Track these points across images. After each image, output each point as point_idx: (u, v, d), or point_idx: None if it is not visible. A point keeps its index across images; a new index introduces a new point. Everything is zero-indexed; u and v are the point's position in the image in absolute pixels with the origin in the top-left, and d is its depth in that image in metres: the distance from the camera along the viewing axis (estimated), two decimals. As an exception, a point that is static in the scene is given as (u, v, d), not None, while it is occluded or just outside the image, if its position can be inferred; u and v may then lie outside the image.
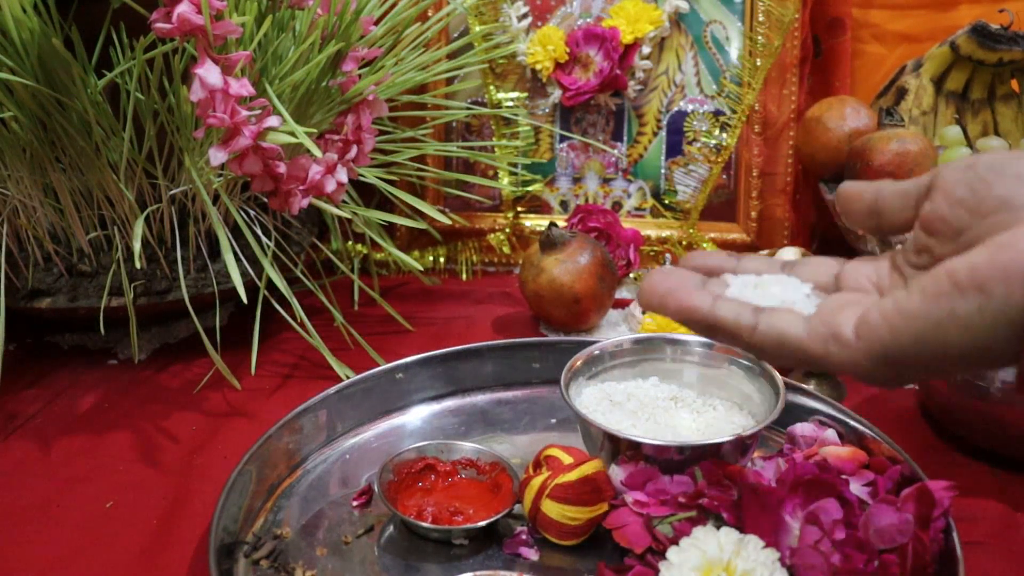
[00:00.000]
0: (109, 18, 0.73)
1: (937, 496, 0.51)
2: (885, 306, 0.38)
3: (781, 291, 0.44)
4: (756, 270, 0.47)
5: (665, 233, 1.02)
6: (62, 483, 0.66)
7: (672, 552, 0.50)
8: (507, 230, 1.03)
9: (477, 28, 1.00)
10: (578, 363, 0.66)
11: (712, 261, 0.48)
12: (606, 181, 1.03)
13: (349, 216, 0.82)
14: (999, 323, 0.35)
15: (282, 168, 0.68)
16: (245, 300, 0.71)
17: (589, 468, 0.57)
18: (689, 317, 0.43)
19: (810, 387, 0.72)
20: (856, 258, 0.46)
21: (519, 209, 1.03)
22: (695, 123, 1.01)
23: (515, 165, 1.03)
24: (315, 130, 0.73)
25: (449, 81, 1.01)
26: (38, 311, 0.79)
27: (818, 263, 0.47)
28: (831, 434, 0.62)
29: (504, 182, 1.02)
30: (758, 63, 0.99)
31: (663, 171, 1.02)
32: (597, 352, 0.67)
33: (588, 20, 1.01)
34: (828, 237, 1.03)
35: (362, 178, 0.81)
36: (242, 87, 0.63)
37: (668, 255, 0.93)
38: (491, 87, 1.02)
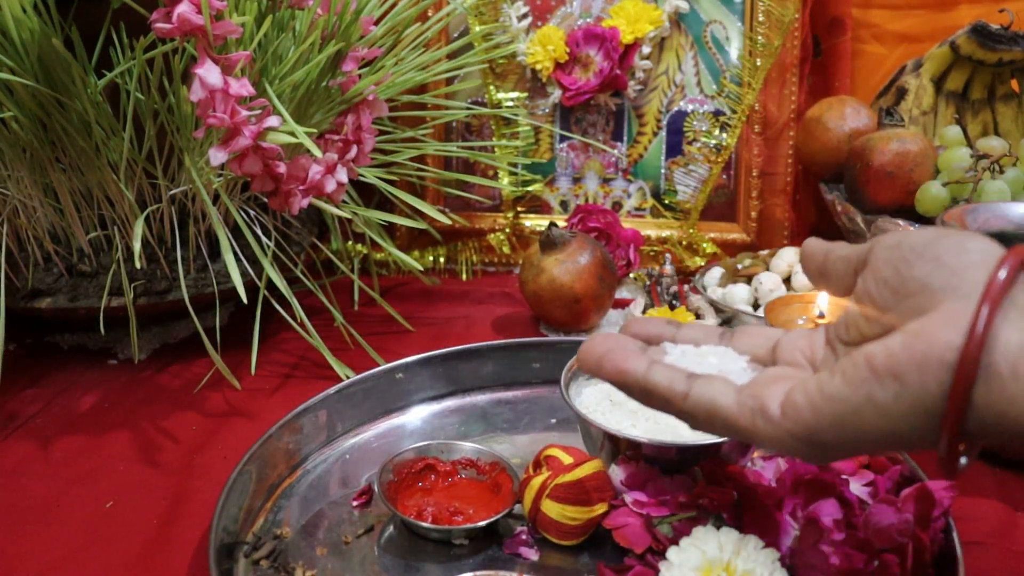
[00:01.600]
0: (109, 18, 0.73)
1: (937, 496, 0.51)
2: (809, 387, 0.38)
3: (718, 362, 0.45)
4: (695, 340, 0.47)
5: (665, 233, 1.02)
6: (62, 483, 0.66)
7: (672, 552, 0.50)
8: (507, 230, 1.03)
9: (477, 28, 1.00)
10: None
11: (652, 329, 0.48)
12: (606, 181, 1.03)
13: (349, 216, 0.82)
14: (916, 411, 0.35)
15: (282, 168, 0.68)
16: (245, 300, 0.71)
17: (589, 468, 0.57)
18: (623, 380, 0.43)
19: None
20: (794, 330, 0.46)
21: (519, 209, 1.03)
22: (695, 123, 1.01)
23: (515, 165, 1.03)
24: (315, 130, 0.73)
25: (449, 81, 1.01)
26: (38, 311, 0.79)
27: (755, 333, 0.47)
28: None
29: (504, 182, 1.02)
30: (758, 63, 0.99)
31: (663, 171, 1.02)
32: (597, 352, 0.67)
33: (588, 20, 1.01)
34: (828, 237, 1.01)
35: (362, 178, 0.81)
36: (242, 87, 0.63)
37: (668, 255, 0.93)
38: (491, 87, 1.02)
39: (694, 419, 0.42)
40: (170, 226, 0.80)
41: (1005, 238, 0.71)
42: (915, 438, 0.36)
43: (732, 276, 0.92)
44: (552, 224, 0.86)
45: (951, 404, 0.34)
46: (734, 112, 1.00)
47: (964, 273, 0.36)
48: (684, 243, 1.01)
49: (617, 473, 0.58)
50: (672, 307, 0.88)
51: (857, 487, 0.56)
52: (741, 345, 0.46)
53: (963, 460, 0.37)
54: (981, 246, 0.37)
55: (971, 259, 0.37)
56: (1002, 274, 0.35)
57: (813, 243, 0.46)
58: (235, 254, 0.76)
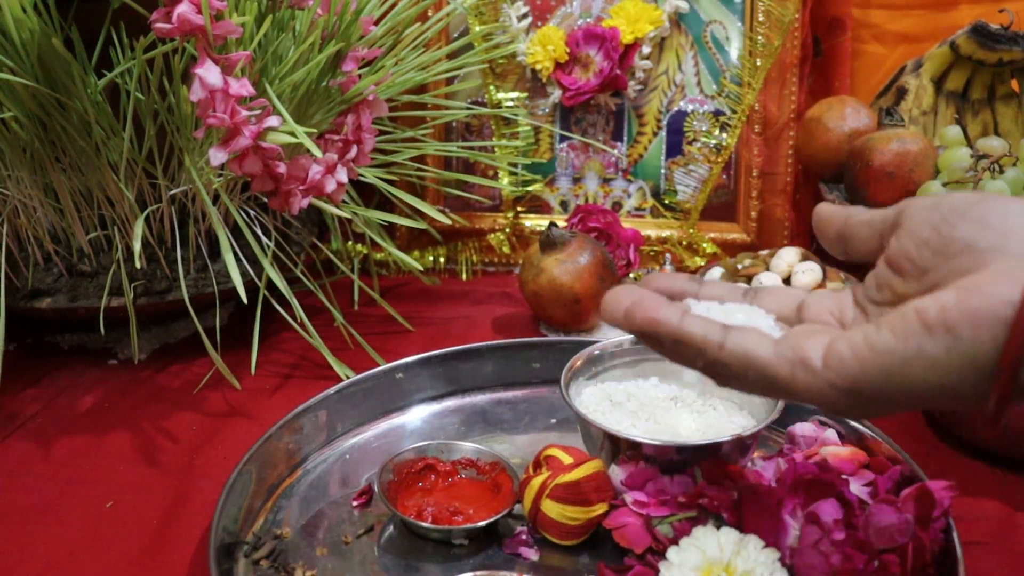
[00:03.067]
0: (109, 18, 0.73)
1: (937, 496, 0.51)
2: (854, 339, 0.38)
3: (746, 318, 0.44)
4: (719, 296, 0.47)
5: (665, 233, 1.02)
6: (62, 483, 0.66)
7: (672, 552, 0.50)
8: (507, 230, 1.03)
9: (477, 28, 1.00)
10: (578, 363, 0.66)
11: (676, 284, 0.47)
12: (606, 181, 1.03)
13: (349, 216, 0.82)
14: (965, 365, 0.35)
15: (282, 168, 0.68)
16: (245, 300, 0.71)
17: (589, 468, 0.57)
18: (656, 330, 0.42)
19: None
20: (818, 290, 0.46)
21: (519, 209, 1.03)
22: (695, 123, 1.01)
23: (515, 165, 1.03)
24: (315, 130, 0.73)
25: (449, 81, 1.01)
26: (38, 311, 0.79)
27: (780, 293, 0.47)
28: (831, 434, 0.62)
29: (504, 182, 1.02)
30: (758, 63, 0.99)
31: (663, 171, 1.02)
32: (597, 352, 0.67)
33: (588, 20, 1.01)
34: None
35: (362, 178, 0.81)
36: (242, 87, 0.63)
37: (668, 255, 0.93)
38: (491, 87, 1.02)
39: (728, 369, 0.41)
40: (170, 226, 0.80)
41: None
42: (962, 393, 0.36)
43: (732, 276, 0.92)
44: (552, 224, 0.86)
45: (1004, 359, 0.34)
46: (734, 112, 1.00)
47: (1012, 234, 0.37)
48: (684, 243, 1.01)
49: (617, 473, 0.58)
50: (672, 307, 0.87)
51: (857, 487, 0.56)
52: (766, 304, 0.46)
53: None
54: (1023, 209, 0.38)
55: (1017, 221, 0.37)
56: None
57: (828, 208, 0.46)
58: (235, 254, 0.76)
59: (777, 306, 0.46)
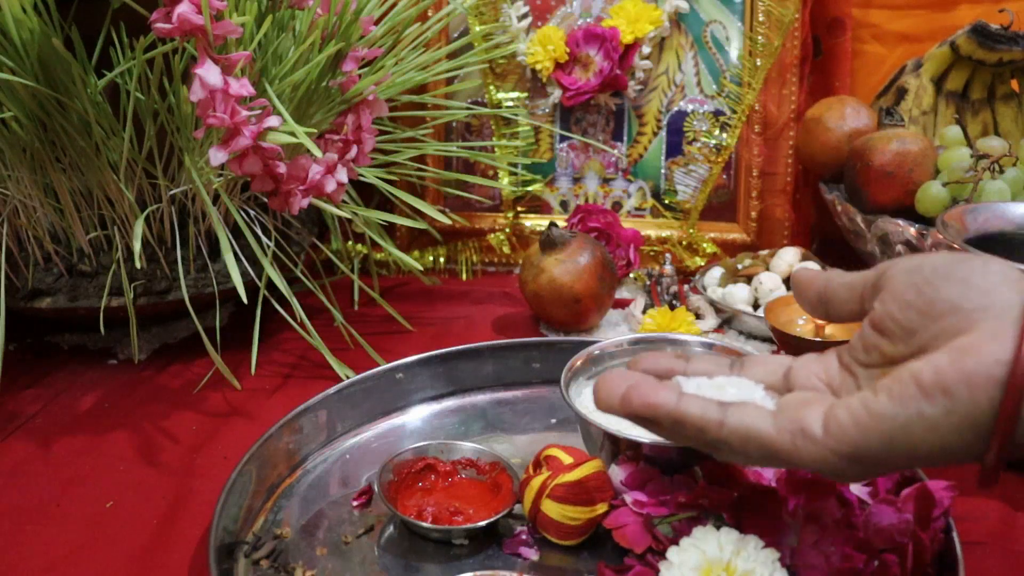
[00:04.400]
0: (109, 18, 0.73)
1: (937, 496, 0.51)
2: (853, 405, 0.39)
3: (737, 392, 0.44)
4: (706, 371, 0.47)
5: (665, 233, 1.02)
6: (62, 483, 0.66)
7: (672, 552, 0.50)
8: (507, 230, 1.03)
9: (477, 28, 1.00)
10: (578, 363, 0.66)
11: (662, 364, 0.48)
12: (606, 181, 1.03)
13: (349, 216, 0.82)
14: (964, 425, 0.36)
15: (282, 168, 0.68)
16: (245, 300, 0.71)
17: (589, 468, 0.57)
18: (655, 414, 0.42)
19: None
20: (803, 355, 0.47)
21: (519, 209, 1.03)
22: (695, 123, 1.01)
23: (515, 165, 1.03)
24: (315, 130, 0.73)
25: (449, 81, 1.01)
26: (38, 311, 0.79)
27: (765, 361, 0.48)
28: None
29: (504, 182, 1.02)
30: (758, 63, 0.99)
31: (663, 171, 1.02)
32: (597, 352, 0.67)
33: (588, 20, 1.01)
34: (828, 237, 1.03)
35: (362, 178, 0.81)
36: (242, 87, 0.63)
37: (668, 255, 0.93)
38: (491, 87, 1.02)
39: (729, 446, 0.42)
40: (170, 226, 0.80)
41: (1005, 238, 0.71)
42: (961, 452, 0.37)
43: (732, 276, 0.92)
44: (552, 224, 0.86)
45: (1001, 417, 0.35)
46: (734, 112, 1.00)
47: (995, 293, 0.38)
48: (684, 243, 1.01)
49: (617, 473, 0.58)
50: (672, 307, 0.88)
51: (857, 487, 0.56)
52: (753, 374, 0.47)
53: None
54: (1003, 268, 0.39)
55: (998, 279, 0.38)
56: None
57: (807, 272, 0.47)
58: (235, 254, 0.76)
59: (765, 375, 0.46)
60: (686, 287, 0.93)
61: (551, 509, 0.56)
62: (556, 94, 1.01)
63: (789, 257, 0.92)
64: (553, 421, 0.72)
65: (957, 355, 0.37)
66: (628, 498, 0.56)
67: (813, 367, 0.45)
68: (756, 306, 0.88)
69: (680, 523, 0.54)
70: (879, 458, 0.38)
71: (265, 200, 0.77)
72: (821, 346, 0.74)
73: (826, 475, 0.41)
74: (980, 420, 0.36)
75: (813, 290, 0.46)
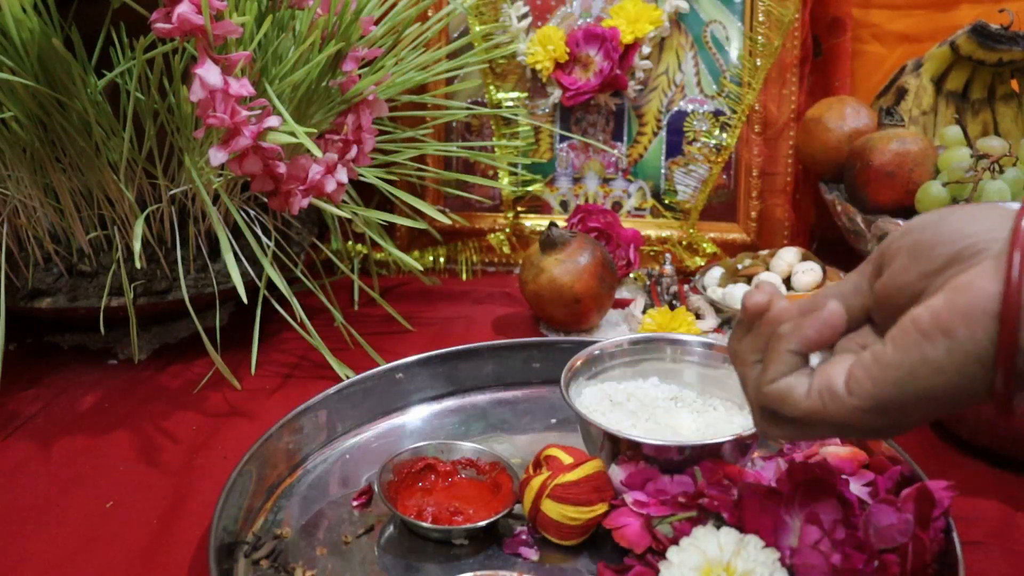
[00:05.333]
0: (109, 18, 0.73)
1: (937, 496, 0.51)
2: (866, 360, 0.40)
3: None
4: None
5: (665, 233, 1.02)
6: (62, 483, 0.66)
7: (672, 552, 0.50)
8: (507, 230, 1.03)
9: (477, 28, 1.00)
10: (578, 363, 0.66)
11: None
12: (606, 181, 1.03)
13: (349, 216, 0.82)
14: (968, 361, 0.37)
15: (282, 168, 0.68)
16: (245, 300, 0.71)
17: (589, 468, 0.57)
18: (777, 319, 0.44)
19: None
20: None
21: (519, 209, 1.03)
22: (695, 123, 1.01)
23: (515, 165, 1.03)
24: (315, 130, 0.73)
25: (449, 81, 1.01)
26: (38, 311, 0.79)
27: None
28: (831, 434, 0.62)
29: (504, 182, 1.02)
30: (758, 63, 0.99)
31: (663, 171, 1.02)
32: (597, 352, 0.67)
33: (588, 20, 1.01)
34: (828, 237, 1.03)
35: (362, 178, 0.81)
36: (242, 87, 0.63)
37: (668, 255, 0.93)
38: (491, 87, 1.02)
39: (767, 402, 0.44)
40: (170, 226, 0.80)
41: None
42: (972, 389, 0.38)
43: (732, 276, 0.92)
44: (552, 224, 0.86)
45: (1001, 348, 0.36)
46: (734, 112, 1.00)
47: (982, 234, 0.39)
48: (684, 243, 1.01)
49: (617, 473, 0.58)
50: (672, 307, 0.88)
51: (857, 487, 0.56)
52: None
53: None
54: (991, 210, 0.40)
55: (988, 223, 0.39)
56: None
57: (833, 306, 0.44)
58: (235, 254, 0.76)
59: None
60: (686, 287, 0.93)
61: (551, 509, 0.56)
62: (556, 94, 1.01)
63: (789, 257, 0.92)
64: (553, 421, 0.72)
65: (951, 295, 0.38)
66: (628, 498, 0.56)
67: (856, 337, 0.45)
68: (756, 306, 0.88)
69: (680, 523, 0.54)
70: (899, 407, 0.39)
71: (265, 200, 0.77)
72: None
73: (860, 434, 0.42)
74: (982, 355, 0.37)
75: (838, 322, 0.44)
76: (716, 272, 0.93)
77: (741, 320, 0.46)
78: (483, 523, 0.58)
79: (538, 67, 1.00)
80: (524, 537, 0.59)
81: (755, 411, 0.46)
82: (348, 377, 0.73)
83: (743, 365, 0.46)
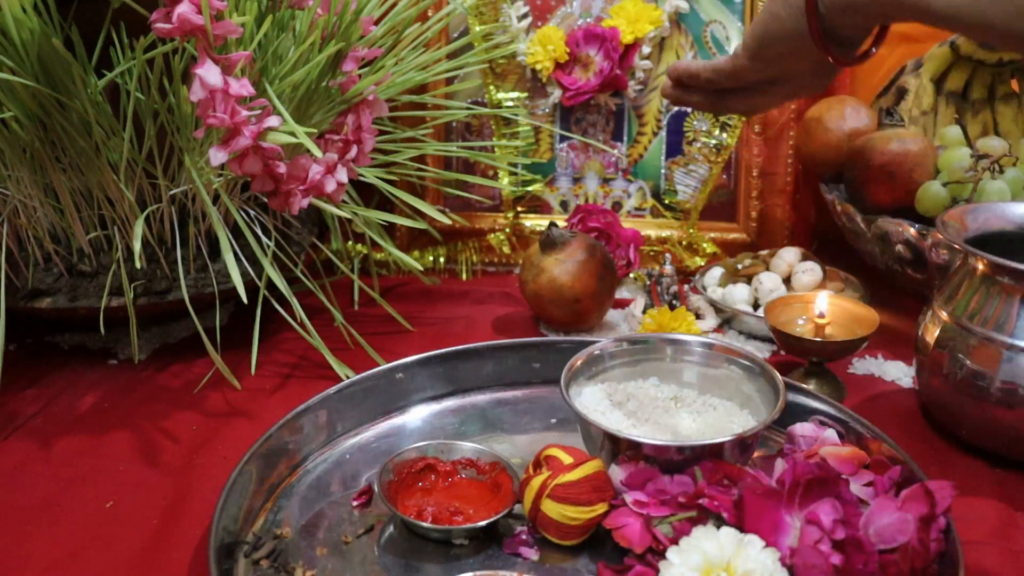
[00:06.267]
0: (109, 18, 0.73)
1: (937, 496, 0.51)
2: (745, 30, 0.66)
3: None
4: None
5: (665, 233, 1.02)
6: (62, 483, 0.66)
7: (672, 552, 0.50)
8: (507, 230, 1.03)
9: (477, 28, 1.00)
10: (578, 363, 0.66)
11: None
12: (606, 181, 1.03)
13: (349, 216, 0.82)
14: (794, 12, 0.60)
15: (282, 168, 0.68)
16: (245, 300, 0.71)
17: (589, 468, 0.57)
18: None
19: (810, 387, 0.72)
20: None
21: (519, 209, 1.03)
22: (695, 123, 1.01)
23: (515, 165, 1.03)
24: (315, 130, 0.73)
25: (449, 81, 1.01)
26: (38, 311, 0.79)
27: None
28: (831, 434, 0.62)
29: (504, 182, 1.02)
30: (758, 63, 0.99)
31: (663, 171, 1.02)
32: (597, 352, 0.67)
33: (588, 20, 1.01)
34: (828, 237, 1.03)
35: (362, 178, 0.81)
36: (242, 87, 0.63)
37: (668, 255, 0.93)
38: (491, 87, 1.02)
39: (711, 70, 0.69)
40: (170, 226, 0.80)
41: (1005, 238, 0.71)
42: (801, 31, 0.60)
43: (732, 276, 0.92)
44: (552, 224, 0.86)
45: None
46: (734, 112, 1.00)
47: None
48: (684, 243, 1.01)
49: (617, 473, 0.58)
50: (672, 307, 0.88)
51: (857, 487, 0.56)
52: None
53: (873, 50, 0.69)
54: None
55: None
56: None
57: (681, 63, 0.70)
58: (235, 254, 0.76)
59: None
60: (686, 287, 0.93)
61: (551, 509, 0.56)
62: (556, 94, 1.01)
63: (789, 257, 0.92)
64: (553, 421, 0.72)
65: None
66: (628, 498, 0.56)
67: None
68: (756, 306, 0.88)
69: (680, 523, 0.54)
70: (765, 48, 0.63)
71: (265, 200, 0.77)
72: (821, 346, 0.74)
73: (749, 80, 0.67)
74: (800, 4, 0.59)
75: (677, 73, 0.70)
76: (716, 272, 0.93)
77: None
78: (483, 523, 0.58)
79: (538, 67, 1.00)
80: (524, 537, 0.59)
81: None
82: (348, 377, 0.73)
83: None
